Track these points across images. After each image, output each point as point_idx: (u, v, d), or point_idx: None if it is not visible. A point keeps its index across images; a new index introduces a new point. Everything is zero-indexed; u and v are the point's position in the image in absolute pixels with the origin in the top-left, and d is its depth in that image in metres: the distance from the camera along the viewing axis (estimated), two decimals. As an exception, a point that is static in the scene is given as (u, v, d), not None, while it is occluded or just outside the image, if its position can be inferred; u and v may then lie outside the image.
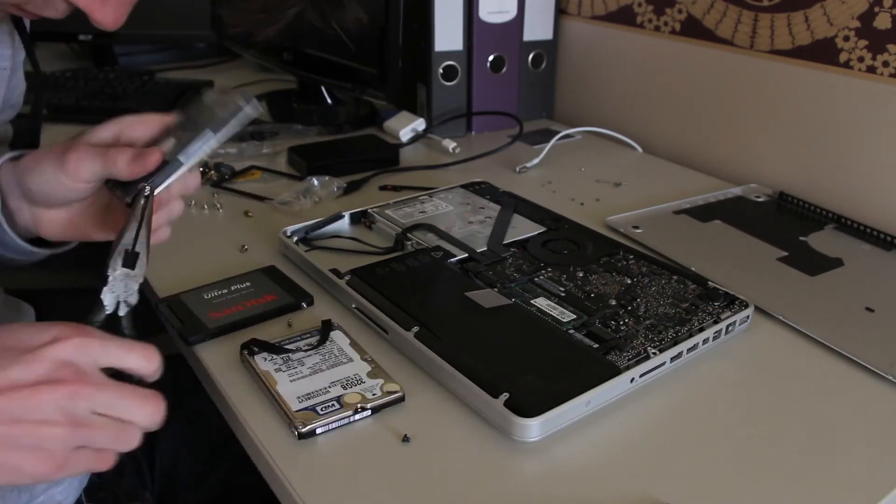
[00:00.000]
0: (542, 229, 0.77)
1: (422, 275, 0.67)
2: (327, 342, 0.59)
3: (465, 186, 0.88)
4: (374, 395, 0.53)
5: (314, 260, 0.69)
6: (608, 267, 0.69)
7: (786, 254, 0.76)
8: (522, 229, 0.77)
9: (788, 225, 0.84)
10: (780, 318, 0.65)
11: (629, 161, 1.05)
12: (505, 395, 0.50)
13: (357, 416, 0.52)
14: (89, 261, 0.63)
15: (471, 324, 0.59)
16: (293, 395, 0.52)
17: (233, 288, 0.66)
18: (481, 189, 0.88)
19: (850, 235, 0.81)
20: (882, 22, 0.80)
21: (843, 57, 0.85)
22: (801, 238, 0.80)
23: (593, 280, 0.67)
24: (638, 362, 0.55)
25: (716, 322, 0.61)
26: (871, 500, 0.46)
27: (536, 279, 0.67)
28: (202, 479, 0.78)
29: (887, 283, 0.71)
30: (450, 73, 1.11)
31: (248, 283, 0.67)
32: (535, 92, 1.20)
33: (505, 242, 0.74)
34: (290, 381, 0.54)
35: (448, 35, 1.09)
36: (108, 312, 0.48)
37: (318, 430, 0.50)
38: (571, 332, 0.59)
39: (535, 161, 1.00)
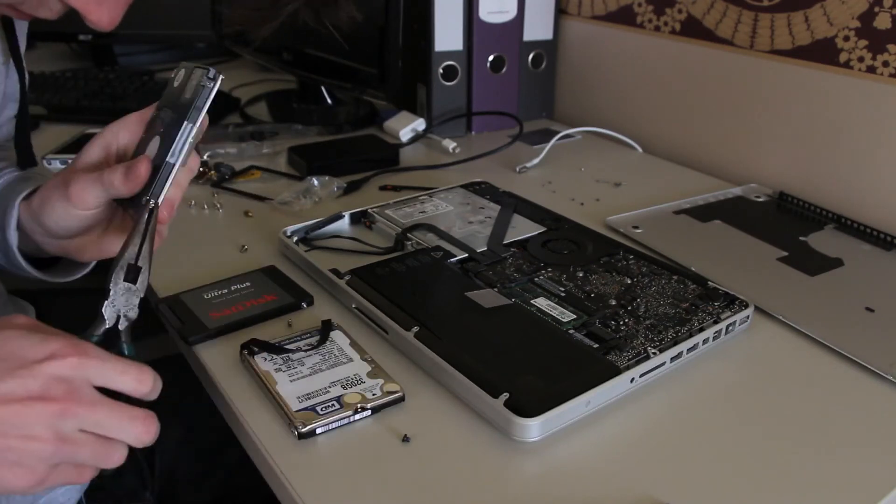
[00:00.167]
0: (542, 229, 0.77)
1: (422, 275, 0.67)
2: (327, 342, 0.59)
3: (465, 186, 0.88)
4: (374, 395, 0.53)
5: (314, 260, 0.70)
6: (608, 267, 0.69)
7: (786, 254, 0.76)
8: (522, 229, 0.77)
9: (788, 225, 0.84)
10: (780, 318, 0.65)
11: (629, 161, 1.05)
12: (505, 395, 0.50)
13: (357, 416, 0.52)
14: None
15: (471, 324, 0.59)
16: (293, 395, 0.53)
17: (233, 288, 0.67)
18: (481, 189, 0.88)
19: (850, 235, 0.81)
20: (882, 22, 0.80)
21: (843, 57, 0.85)
22: (801, 238, 0.80)
23: (593, 280, 0.67)
24: (638, 362, 0.55)
25: (716, 322, 0.61)
26: (871, 500, 0.46)
27: (536, 279, 0.67)
28: (202, 479, 0.78)
29: (887, 283, 0.71)
30: (450, 73, 1.11)
31: (248, 283, 0.67)
32: (534, 92, 1.20)
33: (505, 242, 0.74)
34: (290, 381, 0.54)
35: (448, 35, 1.09)
36: (107, 326, 0.48)
37: (318, 430, 0.50)
38: (571, 332, 0.59)
39: (535, 161, 1.00)
